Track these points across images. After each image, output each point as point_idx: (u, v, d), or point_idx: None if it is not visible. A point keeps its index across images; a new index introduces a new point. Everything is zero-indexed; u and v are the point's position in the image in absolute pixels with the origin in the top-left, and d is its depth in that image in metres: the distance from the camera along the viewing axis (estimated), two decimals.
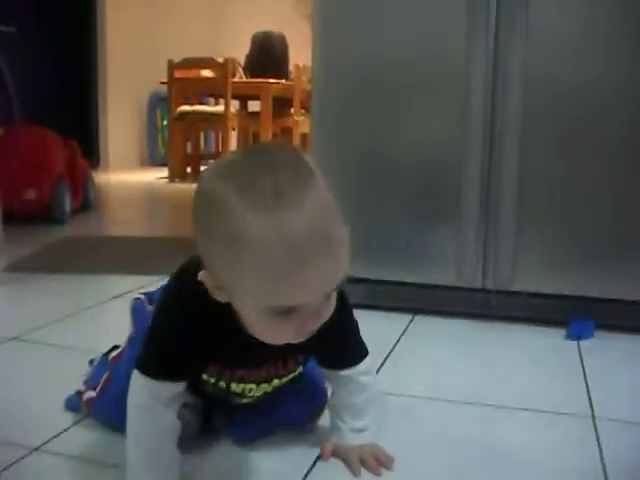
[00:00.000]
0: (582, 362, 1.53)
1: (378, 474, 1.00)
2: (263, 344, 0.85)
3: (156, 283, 2.07)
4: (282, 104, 5.75)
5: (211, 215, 0.79)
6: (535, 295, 1.76)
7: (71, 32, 6.31)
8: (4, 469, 0.99)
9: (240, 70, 5.97)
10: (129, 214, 4.07)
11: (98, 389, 1.13)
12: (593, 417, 1.24)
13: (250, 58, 5.99)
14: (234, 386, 1.00)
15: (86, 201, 3.80)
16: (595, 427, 1.20)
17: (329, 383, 1.10)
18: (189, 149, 6.10)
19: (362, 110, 1.82)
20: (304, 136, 5.53)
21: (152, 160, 7.05)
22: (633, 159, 1.67)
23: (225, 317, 0.86)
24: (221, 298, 0.84)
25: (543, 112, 1.70)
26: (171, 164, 5.70)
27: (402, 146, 1.81)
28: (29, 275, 2.25)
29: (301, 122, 5.64)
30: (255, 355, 0.95)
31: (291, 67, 5.91)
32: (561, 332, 1.71)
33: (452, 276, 1.79)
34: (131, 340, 1.14)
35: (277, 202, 0.74)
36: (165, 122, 6.57)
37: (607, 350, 1.63)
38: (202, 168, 6.19)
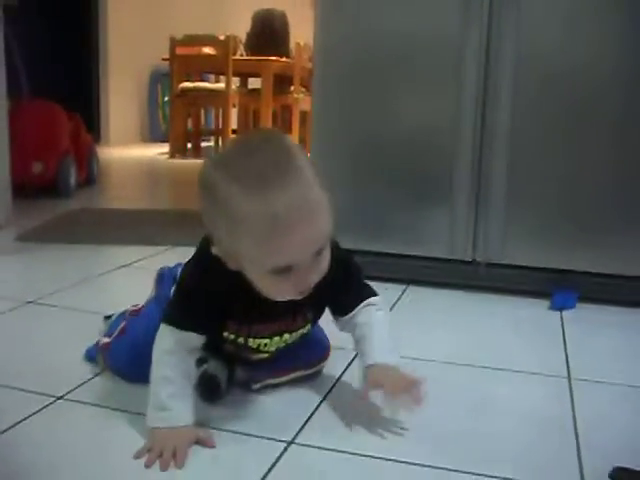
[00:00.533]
0: (563, 330, 1.64)
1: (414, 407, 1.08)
2: (273, 301, 1.02)
3: (161, 254, 2.21)
4: (282, 82, 5.82)
5: (211, 199, 0.97)
6: (522, 268, 1.87)
7: (72, 7, 6.35)
8: (30, 415, 1.10)
9: (241, 47, 6.04)
10: (132, 188, 4.16)
11: (113, 336, 1.26)
12: (569, 378, 1.35)
13: (251, 36, 6.05)
14: (251, 341, 1.14)
15: (90, 175, 3.88)
16: (570, 386, 1.31)
17: (346, 329, 1.20)
18: (190, 125, 6.17)
19: (361, 88, 1.92)
20: (304, 114, 5.60)
21: (153, 136, 7.13)
22: (623, 138, 1.77)
23: (239, 280, 1.02)
24: (233, 267, 1.01)
25: (534, 89, 1.80)
26: (172, 140, 5.78)
27: (399, 124, 1.91)
28: (39, 245, 2.34)
29: (301, 100, 5.72)
30: (267, 311, 1.09)
31: (292, 45, 5.97)
32: (545, 303, 1.81)
33: (444, 249, 1.89)
34: (153, 299, 1.29)
35: (260, 185, 0.92)
36: (166, 98, 6.64)
37: (587, 320, 1.73)
38: (202, 144, 6.27)
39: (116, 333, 1.26)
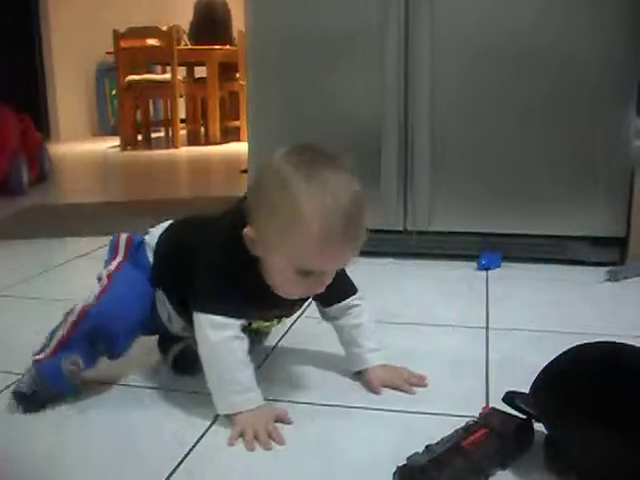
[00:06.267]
0: (487, 288, 1.81)
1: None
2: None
3: None
4: (228, 69, 5.91)
5: (276, 189, 1.02)
6: (450, 234, 2.04)
7: (14, 5, 6.34)
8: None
9: (185, 37, 6.10)
10: (85, 183, 4.24)
11: (95, 296, 1.20)
12: (487, 327, 1.51)
13: (194, 25, 6.12)
14: (254, 324, 1.20)
15: (42, 173, 3.95)
16: (487, 334, 1.47)
17: (331, 321, 1.28)
18: (139, 117, 6.23)
19: (292, 74, 2.06)
20: None
21: (103, 129, 7.15)
22: (538, 107, 1.93)
23: (256, 268, 1.09)
24: (256, 252, 1.07)
25: (451, 68, 1.96)
26: (122, 133, 5.84)
27: (329, 105, 2.05)
28: None
29: None
30: (277, 300, 1.13)
31: (235, 33, 6.05)
32: (473, 265, 1.98)
33: (378, 221, 2.03)
34: (124, 261, 1.26)
35: (330, 197, 0.99)
36: (114, 92, 6.67)
37: (510, 277, 1.90)
38: (153, 135, 6.33)
39: (95, 295, 1.21)
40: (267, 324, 1.25)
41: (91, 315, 1.18)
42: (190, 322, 1.15)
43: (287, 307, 1.20)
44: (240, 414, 1.07)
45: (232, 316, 1.09)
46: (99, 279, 1.25)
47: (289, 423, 1.09)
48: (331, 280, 1.09)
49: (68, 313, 1.22)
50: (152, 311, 1.24)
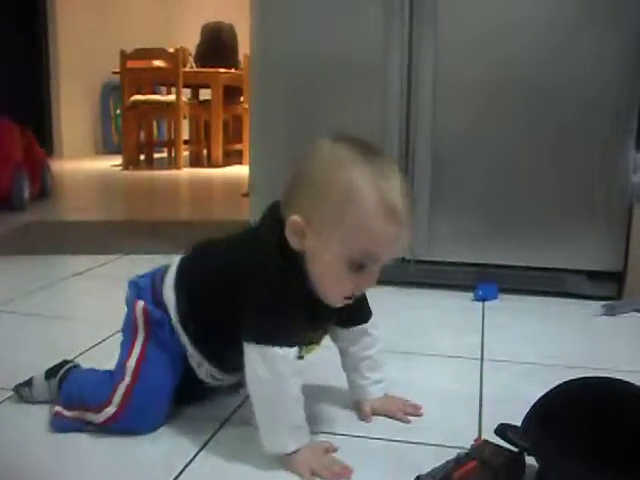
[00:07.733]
0: (483, 319, 1.80)
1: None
2: (317, 307, 1.05)
3: (112, 261, 2.32)
4: (232, 92, 5.95)
5: (329, 167, 1.00)
6: (447, 264, 2.04)
7: (22, 21, 6.40)
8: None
9: (191, 60, 6.15)
10: (86, 200, 4.25)
11: (119, 401, 1.12)
12: (482, 359, 1.51)
13: (200, 48, 6.18)
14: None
15: (43, 189, 3.96)
16: (481, 366, 1.47)
17: (342, 345, 1.23)
18: (142, 137, 6.26)
19: (296, 99, 2.08)
20: None
21: (106, 148, 7.19)
22: (533, 145, 1.94)
23: (299, 278, 1.03)
24: (298, 245, 1.02)
25: (451, 104, 1.97)
26: (125, 152, 5.86)
27: (331, 132, 2.05)
28: None
29: None
30: (314, 317, 1.08)
31: (240, 57, 6.11)
32: (470, 295, 1.97)
33: None
34: (147, 341, 1.16)
35: (387, 178, 0.99)
36: (118, 111, 6.71)
37: (507, 309, 1.90)
38: (155, 155, 6.36)
39: (122, 397, 1.12)
40: (308, 353, 1.15)
41: (123, 421, 1.11)
42: (212, 359, 1.15)
43: (327, 322, 1.14)
44: (295, 454, 1.02)
45: (286, 343, 1.01)
46: (124, 368, 1.14)
47: (334, 451, 1.06)
48: (373, 284, 1.05)
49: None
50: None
